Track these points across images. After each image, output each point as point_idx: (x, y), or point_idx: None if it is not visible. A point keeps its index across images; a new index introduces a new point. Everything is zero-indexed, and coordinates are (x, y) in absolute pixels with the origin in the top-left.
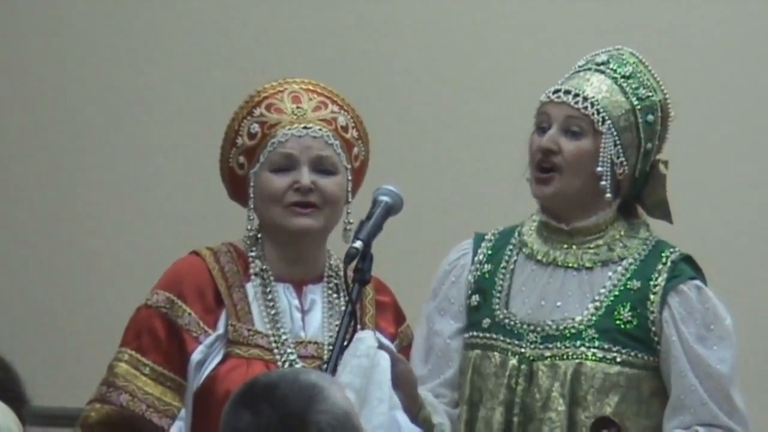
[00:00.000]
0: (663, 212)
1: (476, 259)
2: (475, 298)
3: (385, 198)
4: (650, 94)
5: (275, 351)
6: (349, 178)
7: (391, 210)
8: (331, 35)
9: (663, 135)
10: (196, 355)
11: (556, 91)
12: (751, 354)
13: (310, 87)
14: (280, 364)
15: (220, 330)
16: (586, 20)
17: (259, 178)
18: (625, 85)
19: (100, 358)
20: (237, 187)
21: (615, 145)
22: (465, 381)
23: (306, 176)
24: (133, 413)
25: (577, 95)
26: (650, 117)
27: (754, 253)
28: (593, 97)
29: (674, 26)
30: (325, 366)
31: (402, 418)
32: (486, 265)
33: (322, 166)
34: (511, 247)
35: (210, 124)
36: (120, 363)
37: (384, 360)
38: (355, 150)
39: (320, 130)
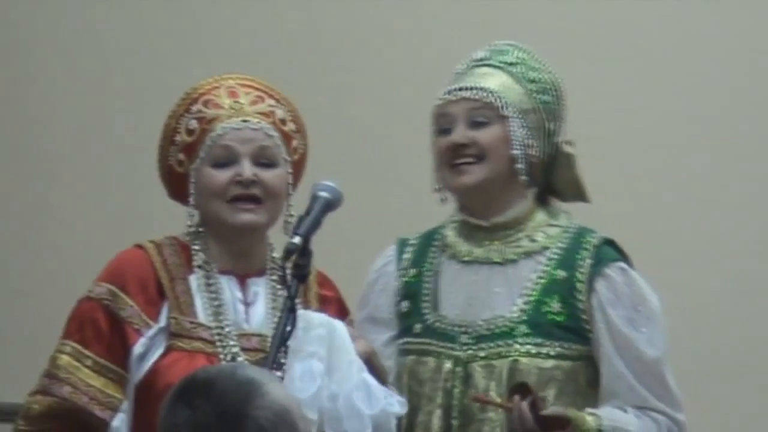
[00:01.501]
0: (577, 192)
1: (401, 264)
2: (405, 304)
3: (324, 193)
4: (540, 75)
5: (218, 344)
6: (290, 170)
7: (331, 205)
8: (274, 30)
9: (561, 114)
10: (138, 348)
11: (451, 91)
12: (675, 339)
13: (246, 82)
14: (222, 356)
15: (162, 323)
16: (531, 18)
17: (200, 173)
18: (514, 71)
19: (42, 351)
20: (177, 185)
21: (522, 128)
22: (402, 387)
23: (248, 169)
24: (75, 405)
25: (473, 88)
26: (546, 97)
27: (676, 239)
28: (489, 86)
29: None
30: (265, 360)
31: (370, 378)
32: (411, 270)
33: (262, 159)
34: (434, 249)
35: (151, 121)
36: (62, 355)
37: (339, 325)
38: (294, 143)
39: (259, 122)
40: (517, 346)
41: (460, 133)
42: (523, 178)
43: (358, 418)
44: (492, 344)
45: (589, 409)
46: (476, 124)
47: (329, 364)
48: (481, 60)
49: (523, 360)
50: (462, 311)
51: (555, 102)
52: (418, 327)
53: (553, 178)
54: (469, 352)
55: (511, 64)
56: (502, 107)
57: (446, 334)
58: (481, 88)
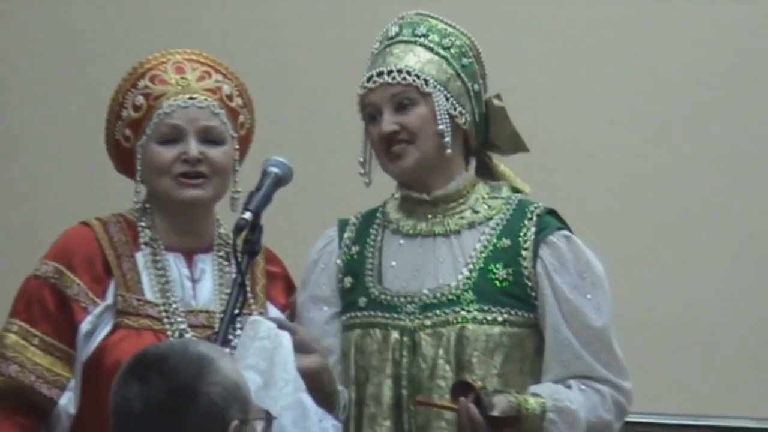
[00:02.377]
0: (516, 144)
1: (342, 243)
2: (348, 280)
3: (274, 169)
4: (453, 40)
5: (165, 321)
6: (236, 146)
7: (281, 181)
8: (225, 4)
9: (483, 72)
10: (84, 326)
11: (369, 79)
12: (619, 306)
13: (193, 57)
14: (170, 333)
15: (109, 300)
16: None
17: (146, 150)
18: (427, 43)
19: None
20: (123, 159)
21: (447, 99)
22: (349, 362)
23: (193, 147)
24: (22, 384)
25: (390, 72)
26: (465, 60)
27: (618, 212)
28: (407, 66)
29: None
30: (215, 336)
31: (307, 399)
32: (354, 247)
33: (209, 137)
34: (375, 226)
35: (98, 96)
36: (9, 334)
37: (286, 340)
38: (241, 118)
39: (205, 100)
40: (464, 313)
41: (388, 121)
42: (448, 151)
43: None
44: (438, 312)
45: (532, 389)
46: (401, 107)
47: (268, 378)
48: (394, 37)
49: (470, 326)
50: (407, 283)
51: (474, 62)
52: (362, 301)
53: (490, 134)
54: (416, 321)
55: (423, 35)
56: (423, 85)
57: (391, 305)
58: (399, 71)
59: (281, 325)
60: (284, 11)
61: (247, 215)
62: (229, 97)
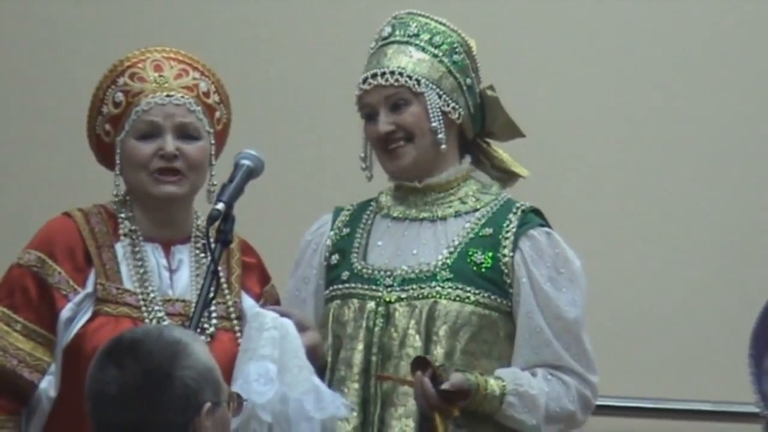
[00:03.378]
0: (512, 130)
1: (335, 226)
2: (335, 257)
3: (246, 162)
4: (445, 38)
5: (143, 309)
6: (212, 141)
7: (252, 173)
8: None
9: (475, 66)
10: (65, 313)
11: (365, 80)
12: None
13: (171, 55)
14: (147, 321)
15: (89, 288)
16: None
17: (125, 145)
18: (418, 42)
19: None
20: (104, 153)
21: (439, 97)
22: (327, 332)
23: (170, 143)
24: (4, 368)
25: (384, 73)
26: (456, 57)
27: (599, 214)
28: (399, 67)
29: None
30: (188, 323)
31: (320, 384)
32: (345, 229)
33: (185, 133)
34: (368, 212)
35: (80, 89)
36: None
37: (292, 328)
38: (217, 114)
39: (182, 97)
40: (438, 289)
41: (384, 121)
42: (443, 147)
43: (308, 422)
44: (415, 286)
45: (497, 372)
46: (396, 107)
47: (281, 365)
48: (387, 38)
49: (443, 302)
50: (389, 260)
51: (465, 58)
52: (345, 274)
53: (486, 123)
54: (393, 293)
55: (415, 35)
56: (415, 86)
57: (371, 278)
58: (392, 72)
59: (281, 314)
60: (261, 10)
61: (220, 206)
62: (206, 94)
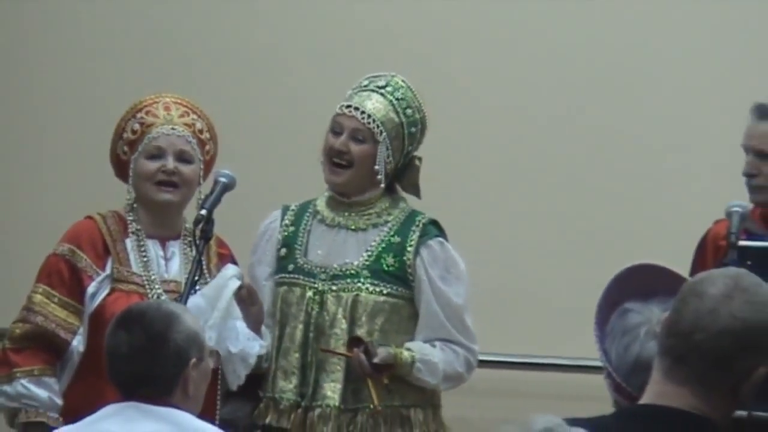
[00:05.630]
0: (415, 191)
1: (283, 223)
2: (283, 250)
3: (223, 179)
4: (415, 113)
5: (147, 287)
6: (201, 167)
7: (227, 187)
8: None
9: (420, 140)
10: (90, 289)
11: (348, 107)
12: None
13: (178, 100)
14: (150, 296)
15: (108, 271)
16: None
17: (137, 163)
18: (397, 105)
19: (22, 291)
20: (121, 168)
21: (387, 150)
22: (276, 309)
23: (171, 163)
24: (46, 329)
25: (363, 112)
26: (413, 129)
27: (480, 219)
28: (374, 114)
29: None
30: (179, 298)
31: (241, 325)
32: (291, 228)
33: (182, 157)
34: (308, 214)
35: (104, 122)
36: (36, 294)
37: (233, 283)
38: (207, 147)
39: (183, 131)
40: (359, 284)
41: (344, 143)
42: (382, 185)
43: (246, 338)
44: (342, 282)
45: (406, 345)
46: (356, 139)
47: (210, 303)
48: (378, 86)
49: (363, 294)
50: (323, 258)
51: (418, 133)
52: (291, 267)
53: (402, 178)
54: (326, 285)
55: (397, 99)
56: (378, 134)
57: (310, 272)
58: (369, 116)
59: (240, 277)
60: (239, 25)
61: (203, 212)
62: (200, 131)
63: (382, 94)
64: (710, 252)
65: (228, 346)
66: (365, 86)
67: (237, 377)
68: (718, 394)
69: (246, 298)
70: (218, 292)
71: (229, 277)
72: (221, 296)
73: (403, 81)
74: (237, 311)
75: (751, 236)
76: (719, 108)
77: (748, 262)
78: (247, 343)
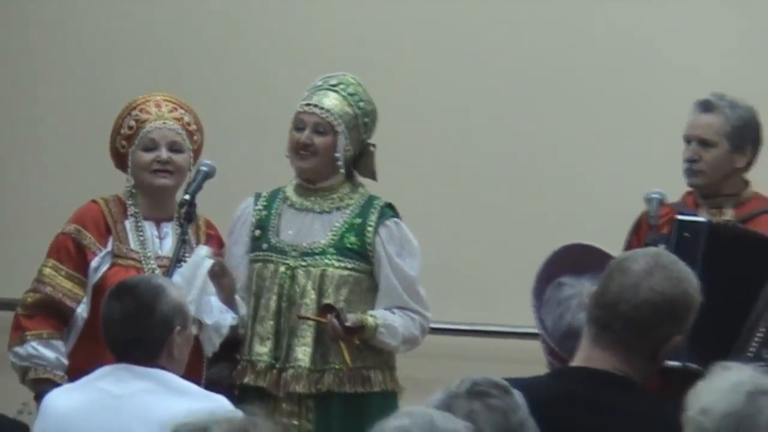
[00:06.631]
0: (371, 175)
1: (256, 208)
2: (257, 231)
3: (204, 168)
4: (367, 105)
5: (143, 262)
6: (191, 155)
7: (208, 175)
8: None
9: (373, 129)
10: (93, 263)
11: (308, 105)
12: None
13: (167, 98)
14: (146, 270)
15: (109, 248)
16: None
17: (135, 155)
18: (350, 99)
19: (32, 265)
20: (120, 160)
21: (346, 139)
22: (251, 282)
23: (164, 153)
24: (54, 298)
25: (322, 108)
26: (366, 120)
27: (435, 197)
28: (332, 109)
29: None
30: (166, 272)
31: (215, 300)
32: (263, 212)
33: (174, 147)
34: (278, 200)
35: (106, 118)
36: (46, 268)
37: (206, 262)
38: (195, 137)
39: (173, 124)
40: (326, 261)
41: (307, 135)
42: (342, 171)
43: (220, 311)
44: (310, 258)
45: (370, 312)
46: (318, 132)
47: (187, 281)
48: (333, 85)
49: (329, 269)
50: (294, 238)
51: (371, 123)
52: (264, 245)
53: (359, 164)
54: (297, 262)
55: (350, 94)
56: (337, 125)
57: (283, 250)
58: (328, 110)
59: (212, 256)
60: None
61: (186, 197)
62: (188, 124)
63: (336, 92)
64: (644, 233)
65: (204, 318)
66: (320, 86)
67: (212, 345)
68: (639, 358)
69: (219, 272)
70: (194, 271)
71: (202, 257)
72: (197, 275)
73: (353, 78)
74: (211, 287)
75: (684, 213)
76: (656, 103)
77: (686, 234)
78: (220, 316)
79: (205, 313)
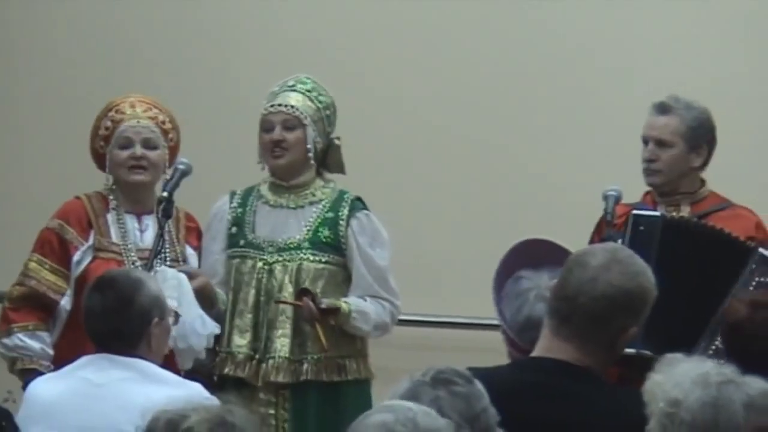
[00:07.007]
0: (339, 168)
1: (231, 205)
2: (234, 229)
3: (181, 166)
4: (326, 99)
5: (124, 255)
6: (166, 152)
7: (185, 173)
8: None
9: (334, 121)
10: (76, 257)
11: (273, 105)
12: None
13: (141, 98)
14: (127, 263)
15: (91, 242)
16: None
17: (112, 153)
18: (309, 95)
19: (18, 259)
20: (99, 159)
21: (314, 132)
22: (230, 278)
23: (138, 150)
24: (38, 291)
25: (287, 105)
26: (328, 112)
27: (402, 195)
28: (296, 105)
29: None
30: (147, 264)
31: (204, 315)
32: (239, 209)
33: (148, 144)
34: (253, 197)
35: (86, 118)
36: (31, 262)
37: (183, 278)
38: (170, 135)
39: (147, 122)
40: (302, 255)
41: (278, 134)
42: (312, 162)
43: (197, 336)
44: (287, 253)
45: (343, 299)
46: (287, 128)
47: (180, 302)
48: (291, 86)
49: (305, 263)
50: (269, 234)
51: (332, 115)
52: (242, 242)
53: (327, 159)
54: (273, 257)
55: (308, 90)
56: (304, 119)
57: (259, 246)
58: (292, 107)
59: (180, 270)
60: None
61: (164, 194)
62: (163, 122)
63: (295, 90)
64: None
65: (199, 330)
66: (279, 90)
67: (186, 363)
68: (598, 348)
69: (191, 275)
70: (179, 290)
71: (174, 277)
72: (184, 293)
73: (307, 77)
74: (197, 307)
75: (641, 208)
76: (618, 103)
77: (641, 228)
78: (212, 326)
79: (200, 326)
